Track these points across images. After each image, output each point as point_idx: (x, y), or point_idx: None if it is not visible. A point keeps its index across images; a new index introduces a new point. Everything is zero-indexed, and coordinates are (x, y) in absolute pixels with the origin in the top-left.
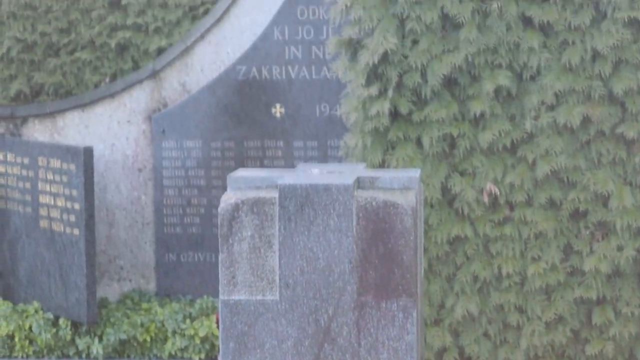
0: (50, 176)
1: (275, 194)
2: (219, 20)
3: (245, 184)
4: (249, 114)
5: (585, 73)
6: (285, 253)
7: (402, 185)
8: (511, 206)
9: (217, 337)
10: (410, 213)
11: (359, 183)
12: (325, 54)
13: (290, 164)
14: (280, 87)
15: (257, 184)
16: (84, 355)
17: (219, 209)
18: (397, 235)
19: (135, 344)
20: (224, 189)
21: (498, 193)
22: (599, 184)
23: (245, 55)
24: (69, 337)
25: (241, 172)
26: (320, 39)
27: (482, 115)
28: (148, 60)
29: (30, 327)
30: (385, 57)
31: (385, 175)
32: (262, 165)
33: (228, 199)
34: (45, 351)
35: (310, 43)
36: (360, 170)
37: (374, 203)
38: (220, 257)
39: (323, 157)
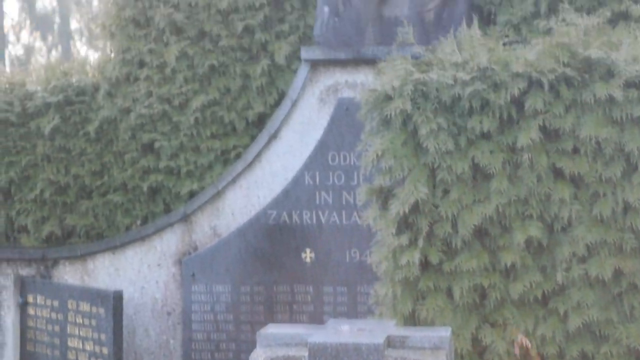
0: (79, 319)
1: (304, 353)
2: (250, 164)
3: (275, 341)
4: (279, 258)
5: (617, 225)
6: None
7: (433, 345)
8: (543, 359)
9: None
10: None
11: (390, 342)
12: (356, 199)
13: (319, 310)
14: (310, 232)
15: (286, 341)
16: None
17: None
18: None
19: None
20: (253, 333)
21: (529, 345)
22: (632, 337)
23: (276, 200)
24: None
25: (271, 329)
26: (351, 184)
27: (513, 266)
28: (179, 203)
29: None
30: (415, 207)
31: (415, 334)
32: (291, 311)
33: (257, 356)
34: None
35: (340, 188)
36: (391, 328)
37: None
38: None
39: (352, 304)
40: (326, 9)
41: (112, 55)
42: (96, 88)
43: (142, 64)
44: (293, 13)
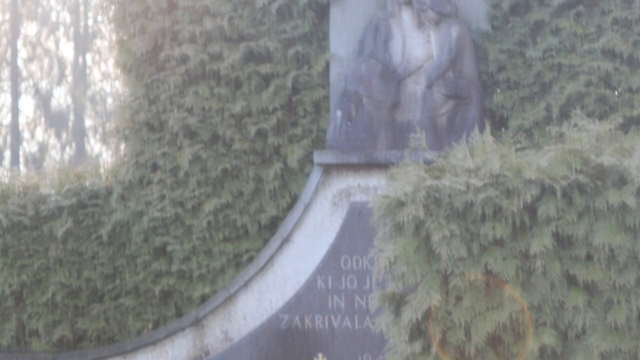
0: None
1: None
2: (262, 268)
3: None
4: None
5: (631, 333)
6: None
7: None
8: None
9: None
10: None
11: None
12: (369, 304)
13: None
14: (322, 337)
15: None
16: None
17: None
18: None
19: None
20: None
21: None
22: None
23: (288, 304)
24: None
25: None
26: (364, 288)
27: None
28: (191, 307)
29: None
30: (428, 314)
31: None
32: None
33: None
34: None
35: (353, 293)
36: None
37: None
38: None
39: None
40: (339, 113)
41: (126, 158)
42: (109, 191)
43: (155, 168)
44: (306, 117)
